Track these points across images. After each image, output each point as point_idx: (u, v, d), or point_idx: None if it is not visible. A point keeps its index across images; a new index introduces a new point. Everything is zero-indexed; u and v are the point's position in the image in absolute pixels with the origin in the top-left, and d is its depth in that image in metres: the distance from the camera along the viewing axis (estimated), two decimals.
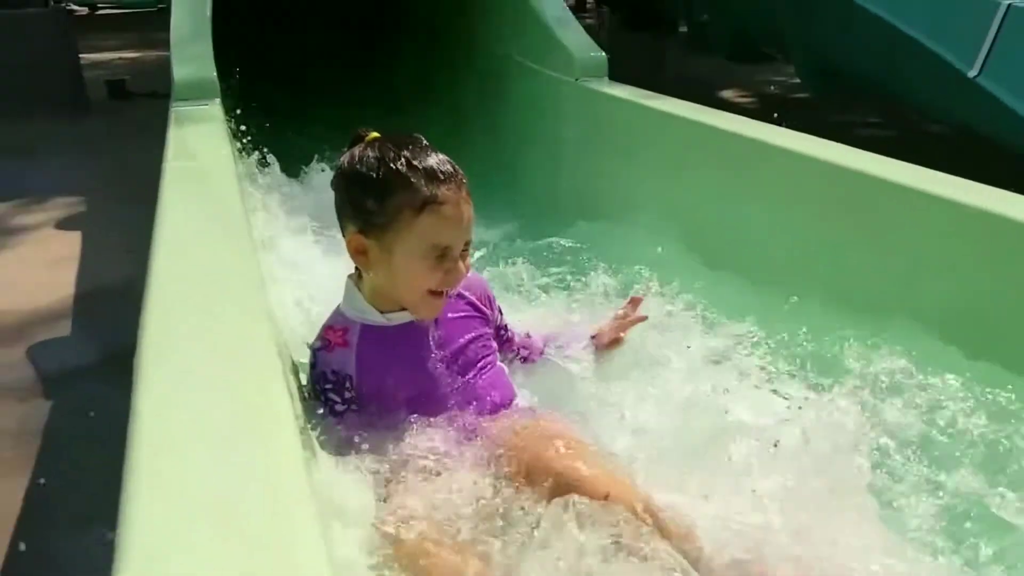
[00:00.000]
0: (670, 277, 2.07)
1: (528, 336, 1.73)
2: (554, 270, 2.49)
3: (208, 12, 3.31)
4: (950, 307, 1.91)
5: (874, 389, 1.69)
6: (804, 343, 1.97)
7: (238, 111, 2.90)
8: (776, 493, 1.28)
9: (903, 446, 1.56)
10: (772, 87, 6.94)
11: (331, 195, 1.47)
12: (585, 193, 3.28)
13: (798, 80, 5.82)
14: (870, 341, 1.87)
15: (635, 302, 1.82)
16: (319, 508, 0.87)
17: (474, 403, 1.46)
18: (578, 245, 2.73)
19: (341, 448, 1.32)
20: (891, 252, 2.09)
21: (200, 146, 2.40)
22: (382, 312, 1.46)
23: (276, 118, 3.42)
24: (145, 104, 6.22)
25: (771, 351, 1.94)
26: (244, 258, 1.53)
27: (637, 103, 3.14)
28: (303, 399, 1.40)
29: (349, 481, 1.24)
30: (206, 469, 0.87)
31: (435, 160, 1.40)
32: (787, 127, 2.63)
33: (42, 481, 1.96)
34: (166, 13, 3.58)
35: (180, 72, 2.94)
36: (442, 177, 1.38)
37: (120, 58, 8.70)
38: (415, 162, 1.38)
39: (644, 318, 1.79)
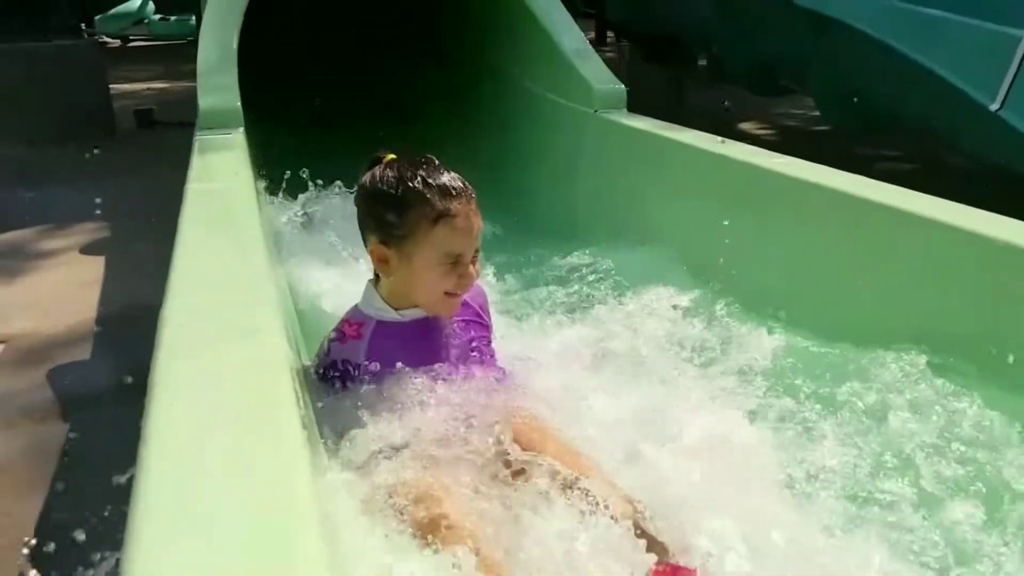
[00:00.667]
0: (696, 311, 2.06)
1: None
2: (569, 294, 2.50)
3: (234, 44, 3.39)
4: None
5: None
6: (805, 365, 1.96)
7: (263, 139, 2.95)
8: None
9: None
10: (791, 119, 6.95)
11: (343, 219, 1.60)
12: (603, 222, 3.29)
13: (817, 112, 5.82)
14: (878, 364, 1.85)
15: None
16: (327, 532, 0.87)
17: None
18: (596, 272, 2.73)
19: (350, 461, 1.38)
20: (911, 283, 2.07)
21: (221, 171, 2.44)
22: (397, 310, 1.61)
23: (295, 145, 3.48)
24: (172, 133, 6.34)
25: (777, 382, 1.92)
26: (260, 277, 1.55)
27: (655, 134, 3.16)
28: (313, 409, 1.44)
29: (357, 489, 1.31)
30: (214, 492, 0.87)
31: (447, 178, 1.58)
32: (806, 159, 2.63)
33: (58, 503, 1.96)
34: (195, 45, 3.66)
35: (205, 101, 3.01)
36: (454, 193, 1.56)
37: (149, 88, 8.89)
38: (429, 180, 1.56)
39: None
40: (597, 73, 3.61)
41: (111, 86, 6.86)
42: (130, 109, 7.01)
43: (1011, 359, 1.75)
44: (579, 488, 1.35)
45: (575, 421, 1.55)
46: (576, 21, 4.17)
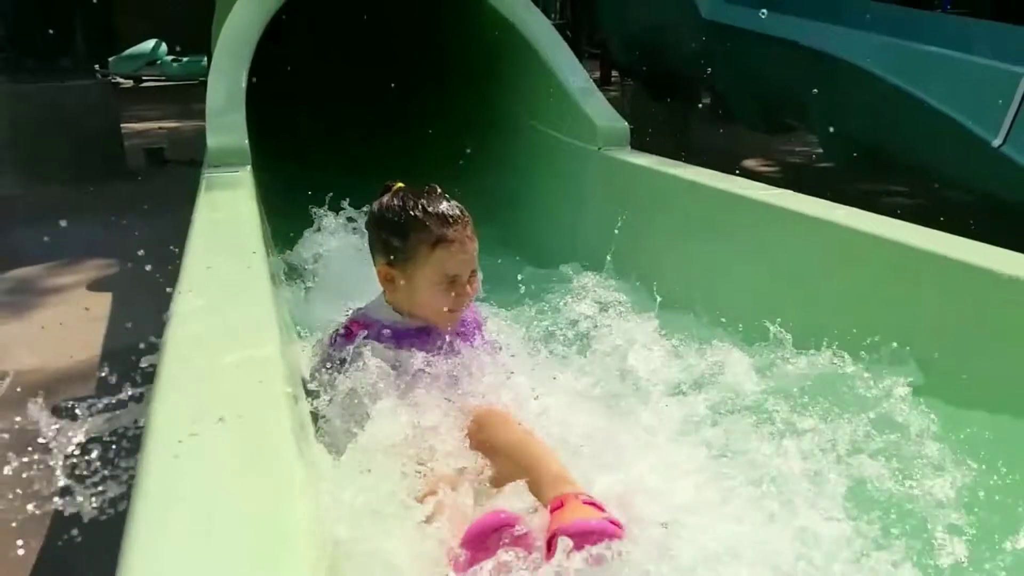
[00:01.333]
0: (688, 342, 2.05)
1: None
2: (573, 333, 2.48)
3: (243, 83, 3.45)
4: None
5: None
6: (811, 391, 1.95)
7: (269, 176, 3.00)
8: None
9: None
10: (796, 156, 6.99)
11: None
12: (605, 257, 3.29)
13: (821, 149, 5.86)
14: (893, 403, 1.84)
15: None
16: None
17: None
18: (596, 307, 2.73)
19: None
20: (921, 322, 2.05)
21: (227, 205, 2.48)
22: (402, 316, 1.79)
23: (295, 180, 3.53)
24: (181, 171, 6.42)
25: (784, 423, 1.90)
26: (263, 309, 1.56)
27: (658, 171, 3.18)
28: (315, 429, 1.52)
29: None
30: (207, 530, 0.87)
31: (445, 206, 1.77)
32: (811, 195, 2.64)
33: (59, 543, 1.95)
34: (206, 85, 3.73)
35: (213, 140, 3.06)
36: (450, 220, 1.75)
37: (160, 127, 9.02)
38: (429, 208, 1.75)
39: None
40: (601, 111, 3.65)
41: (124, 125, 6.97)
42: (141, 148, 7.12)
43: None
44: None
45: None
46: (582, 61, 4.23)
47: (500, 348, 1.86)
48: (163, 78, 14.04)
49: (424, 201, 1.76)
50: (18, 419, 2.59)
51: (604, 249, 3.39)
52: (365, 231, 1.88)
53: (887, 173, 5.76)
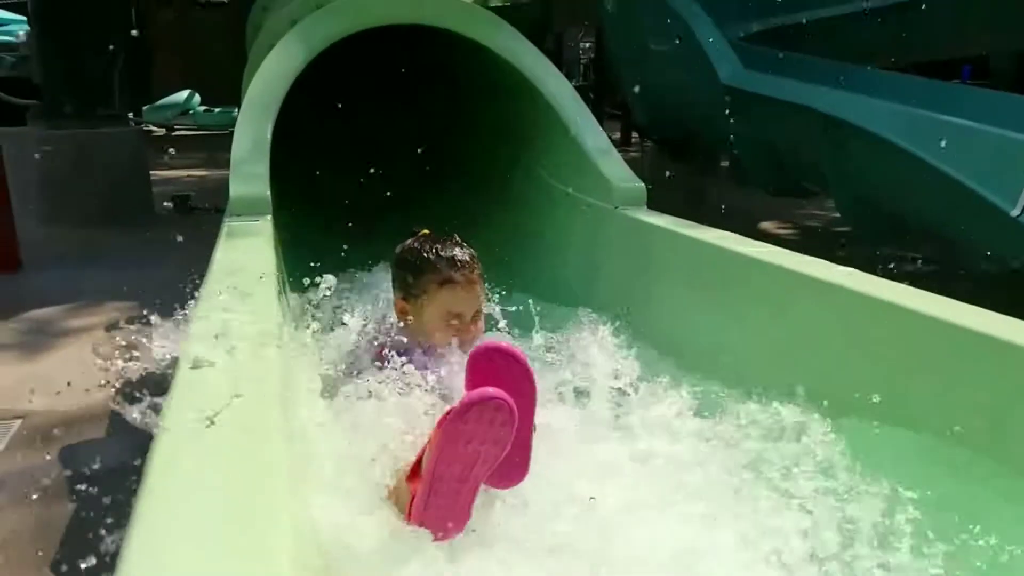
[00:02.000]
0: (705, 407, 2.03)
1: None
2: (577, 382, 2.47)
3: (268, 135, 3.53)
4: None
5: None
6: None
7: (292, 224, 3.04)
8: None
9: None
10: (814, 220, 7.00)
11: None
12: (619, 316, 3.29)
13: (839, 213, 5.87)
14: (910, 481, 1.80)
15: None
16: None
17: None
18: (609, 365, 2.71)
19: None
20: (946, 394, 2.01)
21: (245, 254, 2.51)
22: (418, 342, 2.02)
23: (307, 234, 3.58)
24: (206, 218, 6.53)
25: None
26: (270, 357, 1.57)
27: (675, 231, 3.19)
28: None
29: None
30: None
31: (457, 252, 2.02)
32: (827, 260, 2.63)
33: None
34: None
35: (236, 189, 3.13)
36: (459, 264, 2.00)
37: (189, 175, 9.22)
38: (442, 252, 2.01)
39: None
40: (618, 171, 3.70)
41: (153, 172, 7.13)
42: (168, 195, 7.27)
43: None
44: None
45: None
46: (602, 123, 4.30)
47: None
48: (195, 127, 14.41)
49: (439, 246, 2.02)
50: (29, 461, 2.61)
51: (617, 303, 3.39)
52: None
53: (905, 238, 5.75)
